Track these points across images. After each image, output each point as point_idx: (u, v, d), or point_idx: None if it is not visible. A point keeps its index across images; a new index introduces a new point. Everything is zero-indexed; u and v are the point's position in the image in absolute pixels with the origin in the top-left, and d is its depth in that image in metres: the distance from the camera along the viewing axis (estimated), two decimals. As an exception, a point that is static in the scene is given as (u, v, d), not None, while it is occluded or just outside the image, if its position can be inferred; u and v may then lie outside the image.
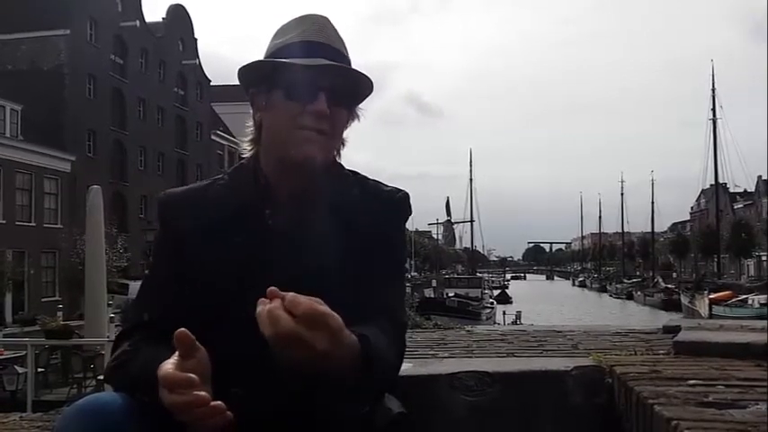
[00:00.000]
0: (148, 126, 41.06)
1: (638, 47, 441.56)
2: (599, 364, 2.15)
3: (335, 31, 1.38)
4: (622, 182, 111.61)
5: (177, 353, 1.11)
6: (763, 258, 61.71)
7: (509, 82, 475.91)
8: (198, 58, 47.98)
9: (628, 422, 1.81)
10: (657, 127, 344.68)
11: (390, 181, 1.45)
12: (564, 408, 2.04)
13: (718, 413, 1.45)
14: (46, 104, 32.02)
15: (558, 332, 3.29)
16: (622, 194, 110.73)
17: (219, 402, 1.07)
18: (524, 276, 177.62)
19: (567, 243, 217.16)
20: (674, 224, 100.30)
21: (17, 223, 29.88)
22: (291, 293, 1.05)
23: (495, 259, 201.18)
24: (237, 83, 1.39)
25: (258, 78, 1.36)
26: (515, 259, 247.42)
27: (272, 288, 1.06)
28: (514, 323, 32.12)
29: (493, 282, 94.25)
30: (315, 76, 1.29)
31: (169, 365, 1.10)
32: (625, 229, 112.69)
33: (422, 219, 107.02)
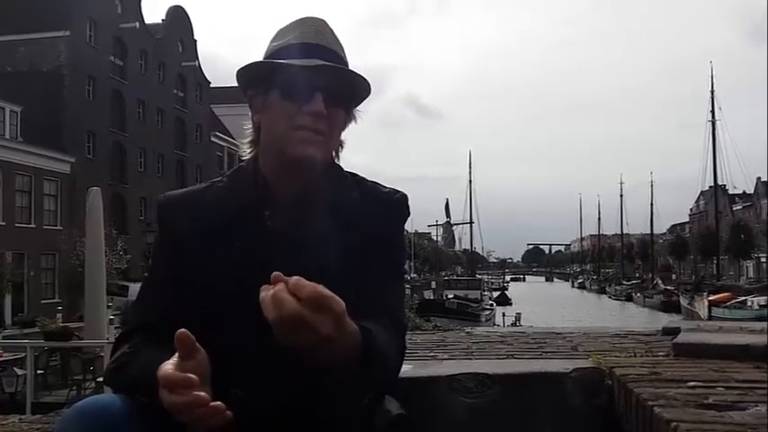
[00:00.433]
0: (148, 127, 41.05)
1: (636, 48, 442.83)
2: (598, 366, 2.15)
3: (333, 33, 1.39)
4: (621, 183, 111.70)
5: (177, 354, 1.11)
6: (763, 260, 61.74)
7: (508, 83, 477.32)
8: (197, 59, 47.98)
9: (627, 424, 1.81)
10: (656, 128, 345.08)
11: (390, 183, 1.46)
12: (563, 410, 2.04)
13: (718, 415, 1.45)
14: (45, 106, 32.01)
15: (558, 334, 3.29)
16: (621, 196, 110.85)
17: (219, 403, 1.07)
18: (524, 278, 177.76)
19: (566, 245, 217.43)
20: (674, 226, 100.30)
21: (17, 225, 29.87)
22: (296, 277, 1.04)
23: (495, 261, 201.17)
24: (237, 85, 1.39)
25: (255, 80, 1.36)
26: (515, 261, 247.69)
27: (277, 273, 1.05)
28: (514, 325, 32.15)
29: (492, 283, 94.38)
30: (311, 77, 1.30)
31: (169, 366, 1.11)
32: (624, 231, 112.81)
33: (421, 220, 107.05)
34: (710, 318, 33.09)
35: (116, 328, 10.86)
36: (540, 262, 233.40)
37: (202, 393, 1.07)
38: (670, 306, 50.41)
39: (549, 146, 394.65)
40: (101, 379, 9.64)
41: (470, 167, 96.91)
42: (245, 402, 1.22)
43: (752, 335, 2.53)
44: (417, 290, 54.59)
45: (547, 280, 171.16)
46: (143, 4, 41.03)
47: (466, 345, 3.00)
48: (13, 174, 29.81)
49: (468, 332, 3.68)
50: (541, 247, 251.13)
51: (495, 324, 39.86)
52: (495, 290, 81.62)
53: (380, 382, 1.23)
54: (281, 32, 1.39)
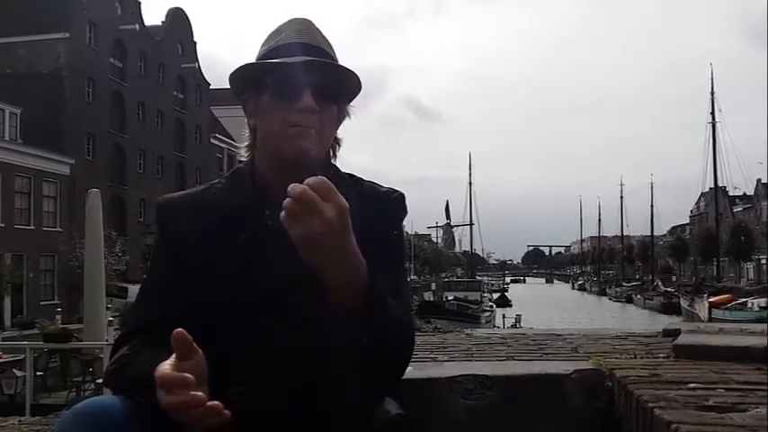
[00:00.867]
0: (147, 129, 41.06)
1: (636, 49, 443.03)
2: (599, 368, 2.15)
3: (320, 32, 1.40)
4: (622, 185, 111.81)
5: (174, 354, 1.12)
6: (763, 262, 61.74)
7: (507, 84, 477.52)
8: (197, 61, 47.99)
9: (628, 426, 1.81)
10: (657, 130, 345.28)
11: (390, 185, 1.46)
12: (563, 411, 2.04)
13: (719, 417, 1.45)
14: (45, 107, 32.01)
15: (558, 335, 3.29)
16: (622, 197, 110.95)
17: (216, 402, 1.07)
18: (524, 280, 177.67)
19: (566, 246, 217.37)
20: (674, 227, 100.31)
21: (16, 226, 29.86)
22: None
23: (495, 262, 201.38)
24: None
25: (246, 84, 1.38)
26: (515, 262, 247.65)
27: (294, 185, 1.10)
28: (514, 326, 32.13)
29: (492, 285, 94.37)
30: (299, 74, 1.31)
31: (166, 366, 1.11)
32: (624, 233, 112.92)
33: (421, 222, 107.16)
34: (711, 319, 33.03)
35: (115, 329, 10.85)
36: (540, 263, 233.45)
37: (199, 393, 1.07)
38: (670, 308, 50.38)
39: (549, 147, 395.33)
40: (100, 380, 9.64)
41: (470, 169, 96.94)
42: (244, 402, 1.22)
43: (752, 336, 2.52)
44: (417, 291, 54.57)
45: (547, 282, 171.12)
46: (143, 5, 41.10)
47: (466, 346, 2.99)
48: (12, 175, 29.81)
49: (468, 334, 3.68)
50: (541, 248, 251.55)
51: (495, 326, 39.89)
52: (495, 291, 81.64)
53: (378, 325, 1.18)
54: (269, 36, 1.40)
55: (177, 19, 46.04)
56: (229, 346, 1.25)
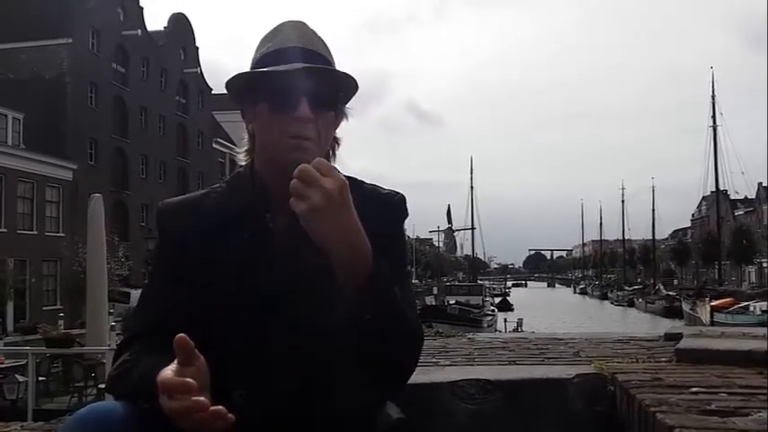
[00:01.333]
0: (150, 134, 41.12)
1: (637, 53, 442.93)
2: (601, 372, 2.15)
3: (315, 34, 1.39)
4: (623, 189, 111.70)
5: (176, 360, 1.11)
6: (765, 265, 61.59)
7: (508, 89, 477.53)
8: (199, 66, 48.10)
9: (630, 430, 1.80)
10: (658, 133, 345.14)
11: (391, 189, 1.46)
12: (565, 415, 2.04)
13: (721, 421, 1.45)
14: (47, 113, 32.07)
15: (560, 340, 3.29)
16: (623, 201, 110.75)
17: (220, 407, 1.07)
18: (525, 284, 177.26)
19: (568, 250, 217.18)
20: (675, 231, 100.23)
21: (18, 232, 29.89)
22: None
23: (497, 267, 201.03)
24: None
25: (243, 91, 1.37)
26: (516, 267, 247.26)
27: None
28: (516, 330, 32.08)
29: (494, 289, 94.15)
30: (295, 83, 1.29)
31: (168, 372, 1.11)
32: (626, 237, 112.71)
33: (423, 226, 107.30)
34: (713, 323, 32.93)
35: (117, 334, 10.84)
36: (541, 268, 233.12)
37: (201, 398, 1.07)
38: (672, 312, 50.27)
39: (551, 151, 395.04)
40: (102, 386, 9.63)
41: (472, 173, 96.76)
42: (246, 404, 1.22)
43: (754, 340, 2.52)
44: (419, 296, 54.48)
45: (549, 286, 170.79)
46: (145, 11, 41.24)
47: (468, 351, 2.99)
48: (15, 181, 29.86)
49: (470, 338, 3.68)
50: (543, 252, 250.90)
51: (497, 330, 39.80)
52: (497, 295, 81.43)
53: (381, 302, 1.18)
54: (264, 40, 1.39)
55: (179, 24, 46.16)
56: (230, 347, 1.25)
